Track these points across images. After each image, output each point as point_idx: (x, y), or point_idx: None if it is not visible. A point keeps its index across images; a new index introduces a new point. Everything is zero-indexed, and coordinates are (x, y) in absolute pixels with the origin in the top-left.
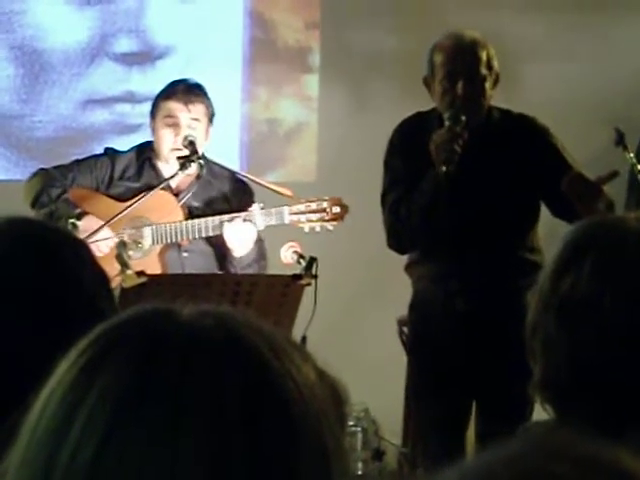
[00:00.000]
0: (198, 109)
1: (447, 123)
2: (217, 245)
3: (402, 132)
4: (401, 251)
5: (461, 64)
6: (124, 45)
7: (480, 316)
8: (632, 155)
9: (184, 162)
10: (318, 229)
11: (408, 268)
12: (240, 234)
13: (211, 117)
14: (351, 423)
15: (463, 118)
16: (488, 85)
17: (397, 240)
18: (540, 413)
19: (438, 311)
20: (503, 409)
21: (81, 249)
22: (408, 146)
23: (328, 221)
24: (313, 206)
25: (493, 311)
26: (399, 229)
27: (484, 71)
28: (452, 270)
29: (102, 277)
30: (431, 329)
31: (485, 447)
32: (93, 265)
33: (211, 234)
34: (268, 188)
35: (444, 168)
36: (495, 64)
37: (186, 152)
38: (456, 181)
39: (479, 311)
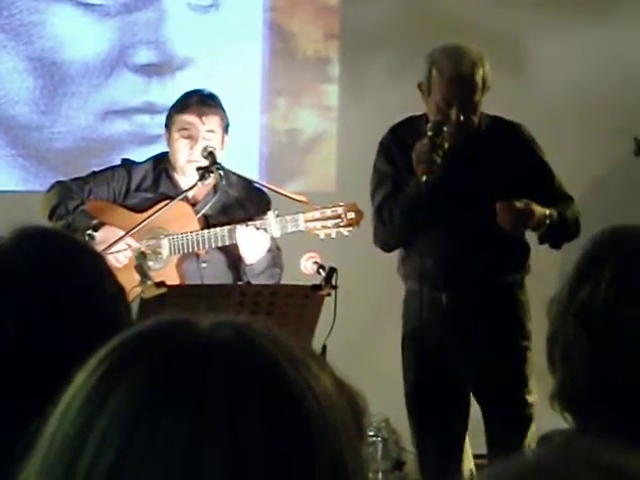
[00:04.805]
0: (212, 120)
1: (429, 133)
2: (230, 253)
3: (392, 135)
4: (385, 250)
5: (457, 92)
6: (143, 56)
7: (466, 312)
8: None
9: (203, 173)
10: (334, 235)
11: (399, 268)
12: (252, 241)
13: (226, 127)
14: (371, 433)
15: (445, 129)
16: (480, 102)
17: (381, 240)
18: (551, 422)
19: (425, 308)
20: (500, 405)
21: (101, 262)
22: (396, 149)
23: (343, 227)
24: (328, 212)
25: (480, 307)
26: (383, 230)
27: (478, 96)
28: (438, 267)
29: (120, 291)
30: (420, 326)
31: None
32: (112, 278)
33: (227, 243)
34: (283, 195)
35: (424, 178)
36: (488, 78)
37: (205, 163)
38: (444, 182)
39: (465, 307)
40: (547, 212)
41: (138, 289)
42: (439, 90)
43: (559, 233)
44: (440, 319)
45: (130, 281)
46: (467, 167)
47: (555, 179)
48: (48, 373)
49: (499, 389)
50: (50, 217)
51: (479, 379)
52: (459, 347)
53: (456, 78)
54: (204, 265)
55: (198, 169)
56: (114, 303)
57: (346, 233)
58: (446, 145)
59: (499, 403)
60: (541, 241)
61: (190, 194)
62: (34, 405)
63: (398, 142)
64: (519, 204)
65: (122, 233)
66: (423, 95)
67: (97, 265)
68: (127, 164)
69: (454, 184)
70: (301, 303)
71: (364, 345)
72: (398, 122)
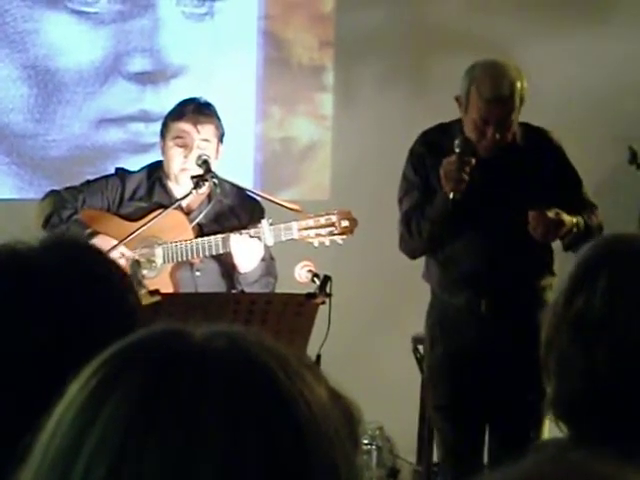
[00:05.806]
0: (207, 130)
1: (457, 150)
2: (224, 262)
3: (423, 140)
4: (410, 257)
5: (495, 113)
6: (138, 64)
7: (505, 318)
8: None
9: (198, 181)
10: (328, 243)
11: (426, 274)
12: (246, 250)
13: (221, 137)
14: (366, 441)
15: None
16: (517, 118)
17: (407, 249)
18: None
19: (462, 314)
20: (516, 416)
21: (125, 276)
22: (426, 157)
23: (337, 235)
24: (322, 220)
25: (518, 312)
26: (410, 239)
27: (515, 115)
28: (477, 274)
29: (138, 304)
30: (454, 332)
31: (498, 457)
32: (134, 293)
33: (221, 251)
34: (276, 203)
35: (452, 196)
36: (524, 94)
37: (200, 171)
38: (478, 195)
39: (503, 313)
40: (574, 220)
41: None
42: (477, 109)
43: (584, 241)
44: (478, 325)
45: None
46: (501, 180)
47: (583, 187)
48: (61, 380)
49: (518, 406)
50: (44, 226)
51: (502, 393)
52: (494, 354)
53: (495, 100)
54: (198, 274)
55: (192, 177)
56: (132, 316)
57: (340, 241)
58: (473, 162)
59: (512, 419)
60: (566, 248)
61: (184, 203)
62: (32, 417)
63: (429, 146)
64: (550, 214)
65: (116, 242)
66: (460, 108)
67: (122, 280)
68: (121, 173)
69: (488, 196)
70: (295, 312)
71: (359, 353)
72: (429, 128)
